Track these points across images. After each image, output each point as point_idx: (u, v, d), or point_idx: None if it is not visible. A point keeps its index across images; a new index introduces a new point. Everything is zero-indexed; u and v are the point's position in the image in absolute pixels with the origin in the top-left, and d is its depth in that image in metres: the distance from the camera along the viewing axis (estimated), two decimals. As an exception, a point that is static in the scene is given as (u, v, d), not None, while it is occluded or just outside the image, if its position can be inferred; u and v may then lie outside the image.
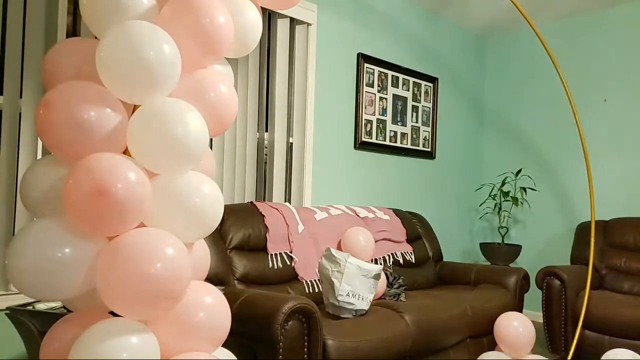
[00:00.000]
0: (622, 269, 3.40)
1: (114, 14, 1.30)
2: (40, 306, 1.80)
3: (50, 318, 1.67)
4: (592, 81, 4.03)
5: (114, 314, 1.26)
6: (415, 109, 4.00)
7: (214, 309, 1.35)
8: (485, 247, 4.02)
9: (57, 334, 1.27)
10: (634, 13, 3.83)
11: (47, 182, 1.30)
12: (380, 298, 2.71)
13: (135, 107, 1.34)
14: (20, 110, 2.21)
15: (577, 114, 3.15)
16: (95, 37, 1.43)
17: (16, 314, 1.72)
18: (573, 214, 4.10)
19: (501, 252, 3.93)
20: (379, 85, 3.70)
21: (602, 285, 3.38)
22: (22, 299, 2.09)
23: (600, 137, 3.97)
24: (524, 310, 3.34)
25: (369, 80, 3.62)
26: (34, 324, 1.69)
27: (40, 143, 2.24)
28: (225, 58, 1.61)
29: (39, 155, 2.24)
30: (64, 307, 1.74)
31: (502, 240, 4.12)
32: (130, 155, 1.30)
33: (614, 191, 3.89)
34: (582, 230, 3.62)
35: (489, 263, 4.05)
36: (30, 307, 1.76)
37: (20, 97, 2.20)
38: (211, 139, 2.79)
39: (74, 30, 2.42)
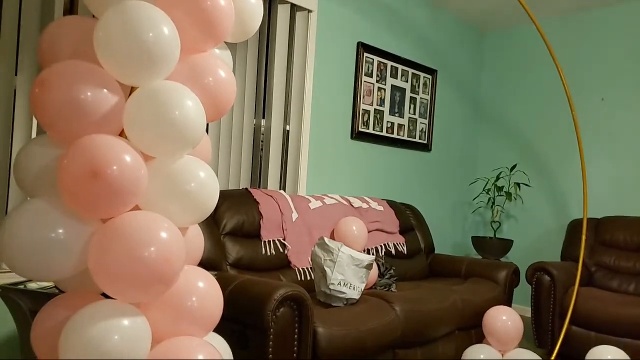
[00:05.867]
0: (611, 267, 3.43)
1: (114, -7, 1.28)
2: (32, 285, 1.79)
3: (41, 297, 1.67)
4: (590, 79, 4.03)
5: (106, 296, 1.26)
6: (413, 100, 3.99)
7: (206, 294, 1.35)
8: (477, 241, 4.04)
9: (49, 315, 1.27)
10: (635, 12, 3.83)
11: (42, 162, 1.29)
12: (371, 288, 2.72)
13: (132, 89, 1.33)
14: (15, 88, 2.18)
15: (575, 111, 3.15)
16: (94, 16, 1.41)
17: (7, 293, 1.72)
18: (565, 211, 4.13)
19: (492, 246, 3.96)
20: (377, 76, 3.68)
21: (591, 283, 3.42)
22: (13, 278, 2.08)
23: (596, 136, 3.98)
24: (513, 305, 3.37)
25: (368, 70, 3.61)
26: (25, 303, 1.69)
27: (35, 122, 2.22)
28: (225, 43, 1.59)
29: (34, 134, 2.22)
30: (55, 287, 1.74)
31: (494, 235, 4.15)
32: (126, 138, 1.29)
33: (606, 190, 3.92)
34: (574, 228, 3.65)
35: (480, 257, 4.08)
36: (21, 286, 1.76)
37: (16, 74, 2.18)
38: (207, 124, 2.77)
39: (71, 8, 2.38)
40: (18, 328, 1.76)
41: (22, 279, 1.95)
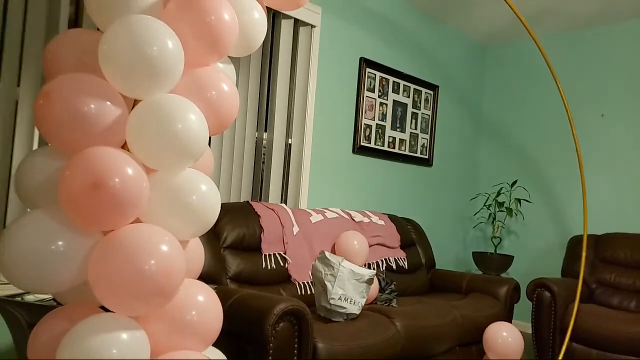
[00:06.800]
0: (612, 284, 3.41)
1: (119, 7, 1.29)
2: (30, 297, 1.78)
3: (39, 310, 1.66)
4: (590, 95, 4.05)
5: (105, 309, 1.25)
6: (414, 115, 4.01)
7: (206, 307, 1.34)
8: (478, 256, 4.02)
9: (46, 327, 1.26)
10: (635, 30, 3.86)
11: (43, 173, 1.29)
12: (371, 303, 2.70)
13: (135, 102, 1.34)
14: (18, 99, 2.19)
15: (575, 127, 3.16)
16: (98, 29, 1.42)
17: (5, 305, 1.70)
18: (566, 227, 4.11)
19: (493, 262, 3.94)
20: (379, 91, 3.70)
21: (592, 299, 3.40)
22: (11, 290, 2.07)
23: (596, 152, 3.98)
24: (513, 321, 3.34)
25: (370, 85, 3.62)
26: (22, 315, 1.67)
27: (37, 133, 2.22)
28: (228, 57, 1.60)
29: (35, 146, 2.23)
30: (53, 299, 1.72)
31: (495, 250, 4.13)
32: (129, 150, 1.29)
33: (606, 206, 3.91)
34: (574, 244, 3.63)
35: (480, 272, 4.06)
36: (19, 299, 1.74)
37: (18, 85, 2.19)
38: (210, 137, 2.77)
39: (76, 20, 2.41)
40: (15, 341, 1.74)
41: (20, 290, 1.94)
